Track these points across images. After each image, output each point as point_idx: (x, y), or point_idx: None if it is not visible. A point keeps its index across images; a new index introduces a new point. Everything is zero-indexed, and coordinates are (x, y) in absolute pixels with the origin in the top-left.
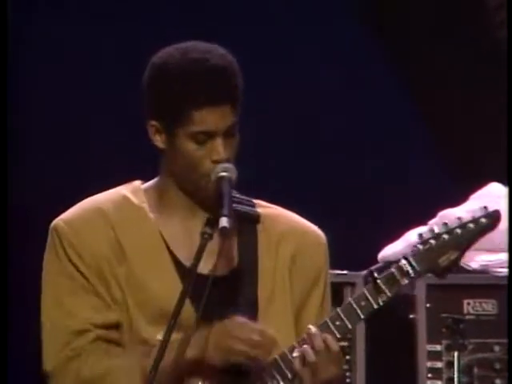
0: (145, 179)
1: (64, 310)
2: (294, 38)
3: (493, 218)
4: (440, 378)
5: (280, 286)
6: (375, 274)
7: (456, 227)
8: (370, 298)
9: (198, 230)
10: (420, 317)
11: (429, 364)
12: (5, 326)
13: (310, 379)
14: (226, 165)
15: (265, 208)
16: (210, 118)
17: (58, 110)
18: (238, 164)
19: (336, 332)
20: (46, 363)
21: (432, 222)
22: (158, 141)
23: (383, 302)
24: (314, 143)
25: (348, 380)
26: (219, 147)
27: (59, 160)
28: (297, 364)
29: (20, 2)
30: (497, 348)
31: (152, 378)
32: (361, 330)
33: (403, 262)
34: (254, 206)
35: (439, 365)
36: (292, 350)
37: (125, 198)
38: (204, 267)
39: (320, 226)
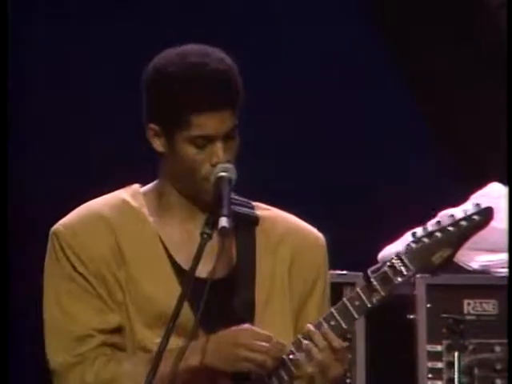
0: (144, 180)
1: (66, 313)
2: (294, 37)
3: (485, 214)
4: (440, 379)
5: (278, 288)
6: (369, 274)
7: (449, 225)
8: (363, 297)
9: (198, 233)
10: (420, 317)
11: (429, 364)
12: (5, 326)
13: (320, 379)
14: (226, 165)
15: (263, 210)
16: (209, 123)
17: (57, 110)
18: (238, 164)
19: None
20: (50, 364)
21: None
22: (157, 144)
23: (377, 301)
24: (314, 143)
25: (348, 380)
26: (219, 151)
27: (59, 160)
28: (305, 365)
29: (20, 2)
30: (497, 348)
31: (149, 382)
32: (361, 330)
33: (396, 260)
34: (252, 208)
35: (439, 365)
36: (289, 354)
37: (124, 202)
38: (202, 270)
39: (320, 226)
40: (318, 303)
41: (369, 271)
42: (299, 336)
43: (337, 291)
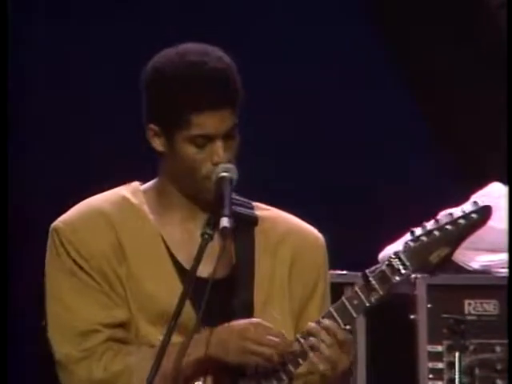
0: (144, 179)
1: (69, 308)
2: (294, 38)
3: (484, 213)
4: (441, 379)
5: (278, 289)
6: (367, 273)
7: (447, 223)
8: (362, 296)
9: (198, 232)
10: (421, 317)
11: (430, 365)
12: (5, 326)
13: (331, 374)
14: (227, 165)
15: (263, 210)
16: (209, 122)
17: (57, 110)
18: (238, 164)
19: None
20: (55, 355)
21: None
22: (157, 144)
23: (376, 300)
24: (314, 143)
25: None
26: (219, 150)
27: (59, 160)
28: (317, 363)
29: (20, 2)
30: (498, 348)
31: (152, 378)
32: (361, 331)
33: (394, 259)
34: (252, 208)
35: (440, 365)
36: (288, 353)
37: (124, 199)
38: (203, 270)
39: (320, 226)
40: (318, 305)
41: (367, 270)
42: (298, 336)
43: (337, 291)
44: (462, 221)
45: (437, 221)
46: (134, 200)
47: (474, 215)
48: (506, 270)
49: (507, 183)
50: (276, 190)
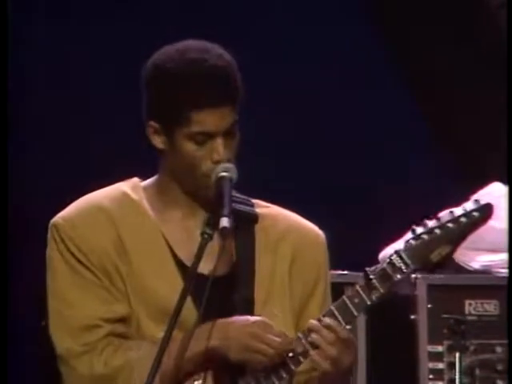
0: (145, 179)
1: (70, 303)
2: (294, 38)
3: (485, 211)
4: (441, 379)
5: (278, 286)
6: (368, 271)
7: (448, 221)
8: (363, 294)
9: (198, 229)
10: (421, 317)
11: (430, 365)
12: (5, 326)
13: (333, 372)
14: (227, 165)
15: (263, 208)
16: (209, 119)
17: (57, 110)
18: (238, 164)
19: None
20: (56, 350)
21: None
22: (157, 141)
23: (377, 298)
24: (314, 143)
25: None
26: (219, 147)
27: (59, 160)
28: (320, 361)
29: (20, 2)
30: (499, 349)
31: (152, 377)
32: (362, 331)
33: (395, 257)
34: (252, 205)
35: (440, 366)
36: (288, 352)
37: (124, 195)
38: (204, 267)
39: (320, 226)
40: (319, 303)
41: (368, 269)
42: (299, 333)
43: (338, 291)
44: (463, 219)
45: (438, 219)
46: (134, 196)
47: (475, 213)
48: (507, 270)
49: (507, 183)
50: (276, 189)
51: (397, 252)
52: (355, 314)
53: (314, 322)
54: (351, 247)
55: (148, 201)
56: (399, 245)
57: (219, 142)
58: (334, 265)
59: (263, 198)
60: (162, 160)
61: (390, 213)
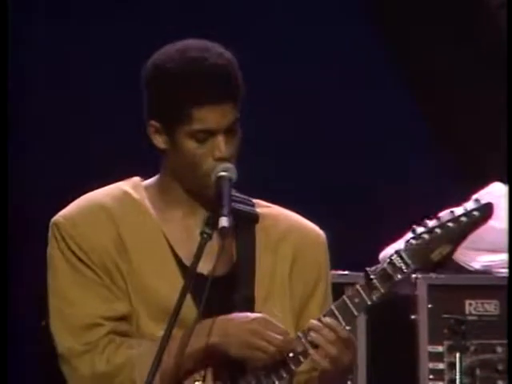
0: (145, 179)
1: (71, 302)
2: (294, 38)
3: (485, 210)
4: (442, 380)
5: (278, 286)
6: (368, 271)
7: (448, 221)
8: (363, 294)
9: (199, 228)
10: (421, 317)
11: (430, 365)
12: (5, 326)
13: (333, 370)
14: (227, 164)
15: (264, 208)
16: (210, 117)
17: (57, 110)
18: (238, 164)
19: None
20: (57, 348)
21: None
22: (158, 141)
23: (377, 298)
24: (314, 143)
25: (349, 382)
26: (221, 144)
27: (59, 160)
28: (320, 360)
29: (20, 2)
30: (499, 349)
31: (152, 376)
32: (362, 331)
33: (395, 257)
34: (253, 205)
35: (441, 366)
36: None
37: (125, 194)
38: (203, 267)
39: (320, 226)
40: (320, 303)
41: (368, 269)
42: (299, 333)
43: (338, 291)
44: (463, 218)
45: (438, 218)
46: (135, 195)
47: (475, 213)
48: (507, 270)
49: (507, 183)
50: (276, 189)
51: (397, 252)
52: (355, 313)
53: (314, 321)
54: (351, 247)
55: (149, 200)
56: (399, 245)
57: (220, 139)
58: (335, 265)
59: (263, 198)
60: (164, 160)
61: (390, 213)
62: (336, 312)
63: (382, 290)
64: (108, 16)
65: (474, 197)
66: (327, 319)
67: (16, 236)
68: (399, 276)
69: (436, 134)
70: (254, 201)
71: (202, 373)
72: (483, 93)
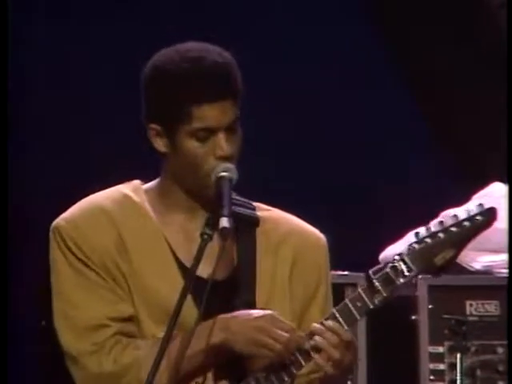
0: (145, 180)
1: (76, 305)
2: (294, 38)
3: (488, 215)
4: (442, 380)
5: (279, 289)
6: (371, 274)
7: (452, 225)
8: (365, 298)
9: (199, 232)
10: (422, 318)
11: (431, 366)
12: (5, 326)
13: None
14: (227, 165)
15: (264, 211)
16: (210, 114)
17: (57, 110)
18: (238, 164)
19: None
20: (63, 348)
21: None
22: (159, 144)
23: (379, 301)
24: (314, 143)
25: (349, 382)
26: (222, 142)
27: (59, 160)
28: (324, 364)
29: (20, 2)
30: (500, 350)
31: (152, 377)
32: (362, 331)
33: (398, 261)
34: (253, 208)
35: (441, 367)
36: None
37: (126, 197)
38: (204, 270)
39: (320, 227)
40: (320, 306)
41: (370, 272)
42: None
43: (338, 292)
44: (466, 223)
45: (441, 222)
46: (135, 198)
47: (478, 217)
48: (507, 271)
49: (507, 183)
50: (276, 189)
51: (400, 256)
52: (358, 317)
53: (316, 325)
54: (351, 247)
55: (150, 203)
56: (399, 245)
57: (221, 137)
58: (335, 265)
59: (263, 198)
60: (164, 163)
61: (390, 213)
62: (338, 315)
63: (385, 294)
64: (108, 16)
65: (474, 197)
66: (330, 323)
67: (16, 236)
68: (402, 280)
69: (436, 133)
70: (255, 204)
71: (203, 375)
72: (483, 93)
